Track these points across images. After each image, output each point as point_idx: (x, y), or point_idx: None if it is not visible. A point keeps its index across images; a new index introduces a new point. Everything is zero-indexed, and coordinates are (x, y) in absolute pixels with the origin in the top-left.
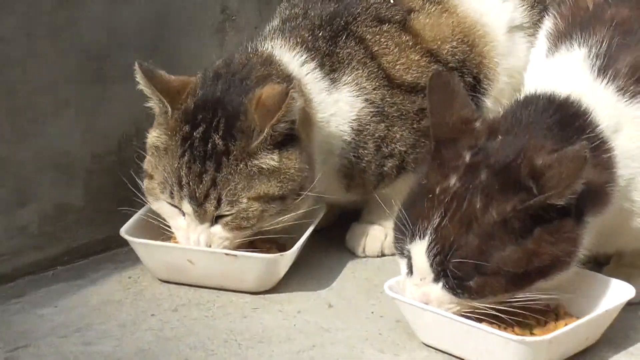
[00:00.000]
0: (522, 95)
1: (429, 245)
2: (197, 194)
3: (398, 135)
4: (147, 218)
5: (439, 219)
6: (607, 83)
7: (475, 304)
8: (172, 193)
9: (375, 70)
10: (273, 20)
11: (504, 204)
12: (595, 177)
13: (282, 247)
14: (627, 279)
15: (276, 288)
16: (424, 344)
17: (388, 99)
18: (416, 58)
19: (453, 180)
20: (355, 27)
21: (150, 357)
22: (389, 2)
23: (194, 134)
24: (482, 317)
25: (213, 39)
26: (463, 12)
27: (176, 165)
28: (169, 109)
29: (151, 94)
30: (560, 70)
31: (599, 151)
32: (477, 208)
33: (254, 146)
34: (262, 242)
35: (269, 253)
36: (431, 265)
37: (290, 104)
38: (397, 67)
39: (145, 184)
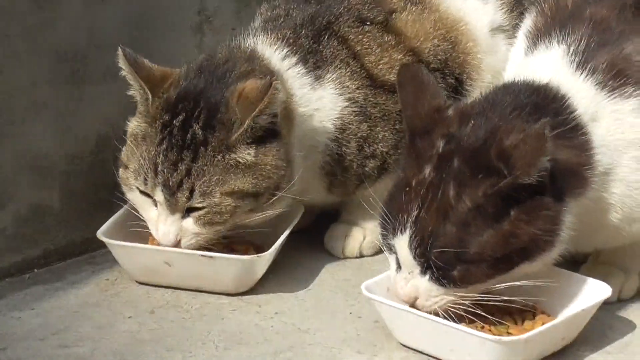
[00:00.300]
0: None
1: (410, 238)
2: (171, 183)
3: (380, 136)
4: (124, 219)
5: (417, 211)
6: (586, 77)
7: (464, 293)
8: (145, 180)
9: (358, 70)
10: (255, 20)
11: (475, 189)
12: (571, 158)
13: (260, 248)
14: (604, 278)
15: (254, 289)
16: (402, 344)
17: (371, 99)
18: (399, 57)
19: (428, 171)
20: (338, 27)
21: (126, 359)
22: (371, 3)
23: (174, 122)
24: (461, 316)
25: (190, 40)
26: (445, 10)
27: (153, 152)
28: (150, 96)
29: (133, 80)
30: (539, 65)
31: (575, 134)
32: (451, 196)
33: (234, 138)
34: (239, 244)
35: (246, 254)
36: (414, 257)
37: (273, 94)
38: (380, 66)
39: (120, 173)
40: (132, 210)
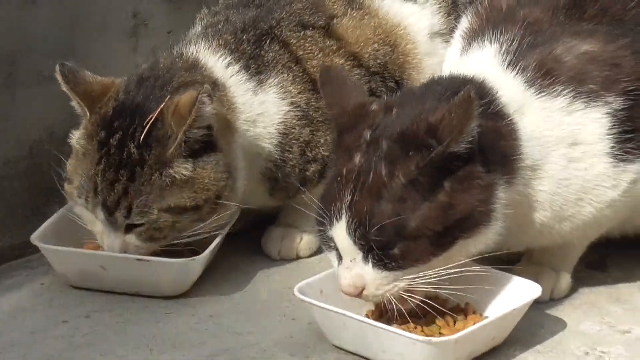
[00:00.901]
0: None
1: (347, 223)
2: (109, 202)
3: (322, 140)
4: (59, 224)
5: (350, 196)
6: (516, 74)
7: (409, 277)
8: (87, 199)
9: (300, 74)
10: (195, 26)
11: (407, 164)
12: (497, 137)
13: (196, 251)
14: (536, 278)
15: (190, 292)
16: (335, 346)
17: (313, 103)
18: (340, 62)
19: (357, 158)
20: (279, 31)
21: None
22: (312, 8)
23: (111, 140)
24: (394, 317)
25: (125, 44)
26: (384, 15)
27: (92, 171)
28: (87, 113)
29: (70, 96)
30: (471, 63)
31: (500, 118)
32: (384, 175)
33: (169, 154)
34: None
35: (182, 257)
36: (354, 242)
37: (200, 108)
38: None
39: (65, 187)
40: (68, 215)
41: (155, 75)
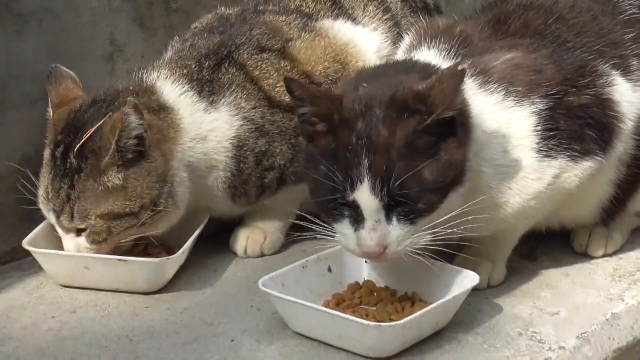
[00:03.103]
0: None
1: (371, 183)
2: (56, 208)
3: (278, 150)
4: (48, 229)
5: (367, 158)
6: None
7: (423, 231)
8: (43, 205)
9: (255, 92)
10: (167, 52)
11: (405, 127)
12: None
13: (172, 250)
14: (474, 268)
15: (166, 288)
16: (296, 333)
17: (268, 117)
18: None
19: (360, 124)
20: (238, 55)
21: (48, 355)
22: (270, 33)
23: (56, 153)
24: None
25: (103, 68)
26: (334, 35)
27: (47, 180)
28: (51, 119)
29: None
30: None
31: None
32: (387, 136)
33: (104, 163)
34: (152, 247)
35: (158, 257)
36: (381, 199)
37: (124, 119)
38: (277, 89)
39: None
40: None
41: (106, 98)
